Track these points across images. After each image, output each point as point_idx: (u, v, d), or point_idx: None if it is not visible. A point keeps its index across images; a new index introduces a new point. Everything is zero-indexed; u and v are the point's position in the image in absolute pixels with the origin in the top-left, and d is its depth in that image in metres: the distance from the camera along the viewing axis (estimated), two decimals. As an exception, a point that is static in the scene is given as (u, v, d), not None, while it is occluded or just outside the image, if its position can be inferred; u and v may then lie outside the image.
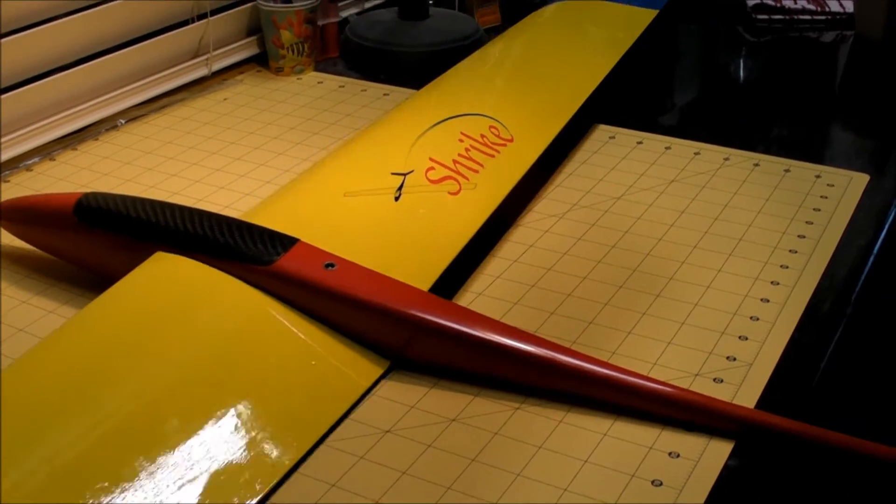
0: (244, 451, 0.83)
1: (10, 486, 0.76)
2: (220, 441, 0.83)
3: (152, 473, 0.79)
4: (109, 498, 0.77)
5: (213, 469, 0.81)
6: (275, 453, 0.84)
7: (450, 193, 1.12)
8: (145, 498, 0.77)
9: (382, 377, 0.95)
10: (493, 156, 1.19)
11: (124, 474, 0.78)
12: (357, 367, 0.94)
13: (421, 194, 1.11)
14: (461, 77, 1.40)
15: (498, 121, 1.24)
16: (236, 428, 0.85)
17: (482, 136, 1.21)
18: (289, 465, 0.84)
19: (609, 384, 0.89)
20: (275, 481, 0.82)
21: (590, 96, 1.38)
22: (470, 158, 1.17)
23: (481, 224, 1.10)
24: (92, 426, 0.82)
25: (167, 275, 0.98)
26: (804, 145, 1.41)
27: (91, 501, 0.76)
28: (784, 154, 1.34)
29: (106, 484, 0.77)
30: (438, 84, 1.37)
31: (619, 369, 0.90)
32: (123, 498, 0.77)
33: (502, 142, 1.22)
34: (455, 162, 1.16)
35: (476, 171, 1.16)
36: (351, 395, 0.92)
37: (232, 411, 0.86)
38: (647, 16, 1.63)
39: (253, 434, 0.85)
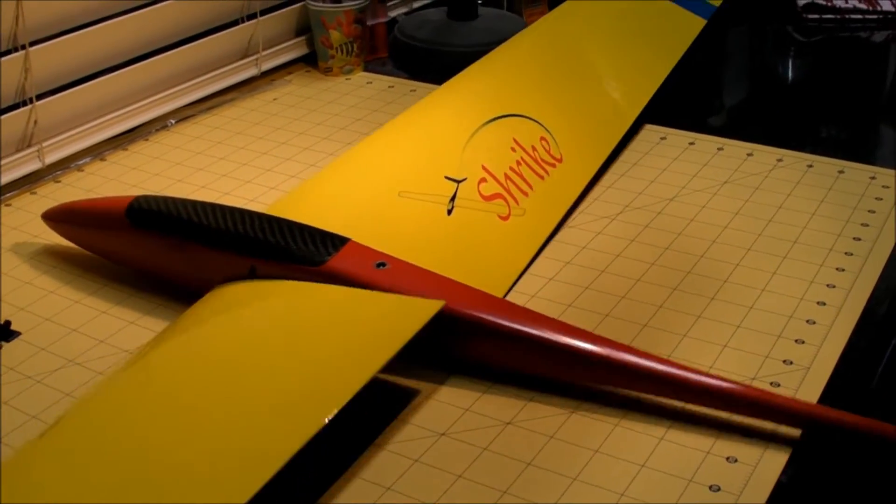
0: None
1: None
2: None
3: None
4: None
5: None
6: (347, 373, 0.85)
7: (500, 217, 1.12)
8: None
9: (440, 381, 0.94)
10: (542, 177, 1.19)
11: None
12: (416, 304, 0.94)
13: (472, 211, 1.10)
14: (504, 67, 1.38)
15: (549, 132, 1.24)
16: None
17: (533, 148, 1.20)
18: (365, 380, 0.83)
19: (668, 381, 0.88)
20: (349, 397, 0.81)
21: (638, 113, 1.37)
22: (521, 175, 1.17)
23: (529, 259, 1.11)
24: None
25: (231, 305, 0.98)
26: (856, 146, 1.40)
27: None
28: (836, 155, 1.32)
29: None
30: (480, 72, 1.35)
31: (680, 366, 0.89)
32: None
33: (552, 161, 1.21)
34: (506, 177, 1.15)
35: (526, 195, 1.16)
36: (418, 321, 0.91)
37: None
38: (695, 24, 1.60)
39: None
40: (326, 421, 0.78)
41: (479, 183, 1.13)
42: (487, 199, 1.12)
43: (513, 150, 1.19)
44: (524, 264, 1.10)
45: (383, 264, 0.96)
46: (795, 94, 1.61)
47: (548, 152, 1.22)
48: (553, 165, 1.21)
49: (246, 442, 0.79)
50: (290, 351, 0.89)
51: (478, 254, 1.08)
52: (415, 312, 0.91)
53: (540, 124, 1.24)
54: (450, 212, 1.09)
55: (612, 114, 1.35)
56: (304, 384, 0.85)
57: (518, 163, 1.18)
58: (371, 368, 0.84)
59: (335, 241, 0.98)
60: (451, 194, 1.10)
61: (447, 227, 1.08)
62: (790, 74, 1.72)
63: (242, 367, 0.88)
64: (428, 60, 1.64)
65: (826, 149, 1.35)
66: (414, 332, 0.88)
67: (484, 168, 1.14)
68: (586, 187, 1.24)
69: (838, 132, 1.47)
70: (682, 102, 1.52)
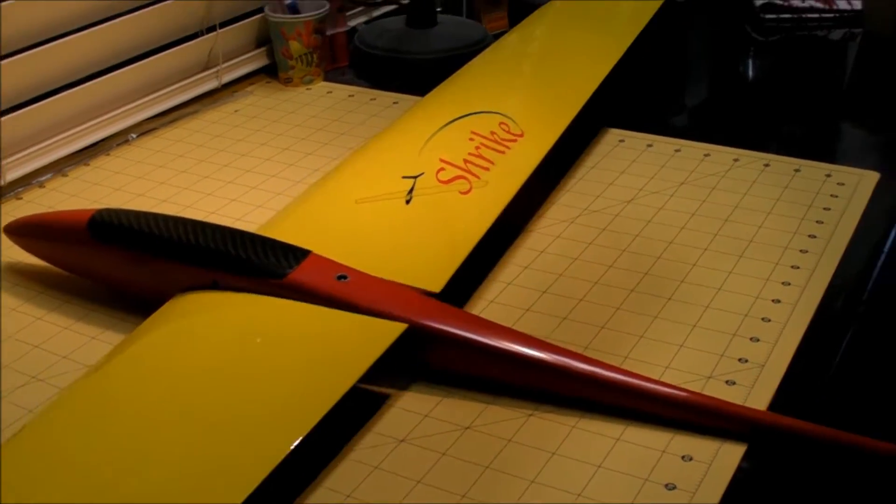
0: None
1: None
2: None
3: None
4: None
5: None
6: (302, 406, 0.85)
7: (461, 193, 1.13)
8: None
9: (400, 387, 0.95)
10: (503, 152, 1.20)
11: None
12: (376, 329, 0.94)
13: (432, 196, 1.11)
14: (469, 77, 1.40)
15: (508, 116, 1.25)
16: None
17: (492, 132, 1.22)
18: (318, 416, 0.83)
19: (620, 388, 0.90)
20: (304, 433, 0.81)
21: (600, 90, 1.36)
22: (480, 156, 1.18)
23: (492, 222, 1.10)
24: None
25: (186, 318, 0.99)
26: (815, 144, 1.41)
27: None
28: (795, 153, 1.34)
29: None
30: (447, 87, 1.37)
31: (629, 374, 0.91)
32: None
33: (513, 137, 1.22)
34: (466, 161, 1.16)
35: (487, 169, 1.16)
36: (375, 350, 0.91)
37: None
38: (654, 4, 1.62)
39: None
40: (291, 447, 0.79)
41: (438, 172, 1.14)
42: (446, 182, 1.13)
43: (471, 140, 1.20)
44: (491, 220, 1.10)
45: (344, 276, 0.97)
46: (754, 94, 1.62)
47: (508, 131, 1.23)
48: (514, 140, 1.22)
49: (208, 465, 0.80)
50: (251, 370, 0.90)
51: (441, 226, 1.09)
52: (377, 335, 0.92)
53: (499, 113, 1.25)
54: (408, 202, 1.10)
55: (571, 92, 1.35)
56: (265, 406, 0.86)
57: (477, 147, 1.19)
58: (333, 394, 0.85)
59: (297, 254, 0.99)
60: (409, 188, 1.11)
61: (407, 215, 1.09)
62: (749, 74, 1.74)
63: (202, 384, 0.88)
64: (388, 68, 1.65)
65: (783, 148, 1.36)
66: (378, 355, 0.89)
67: (441, 160, 1.16)
68: (547, 191, 1.25)
69: (795, 131, 1.48)
70: (642, 105, 1.53)
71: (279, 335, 0.95)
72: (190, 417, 0.84)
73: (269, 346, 0.93)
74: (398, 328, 0.93)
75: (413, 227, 1.08)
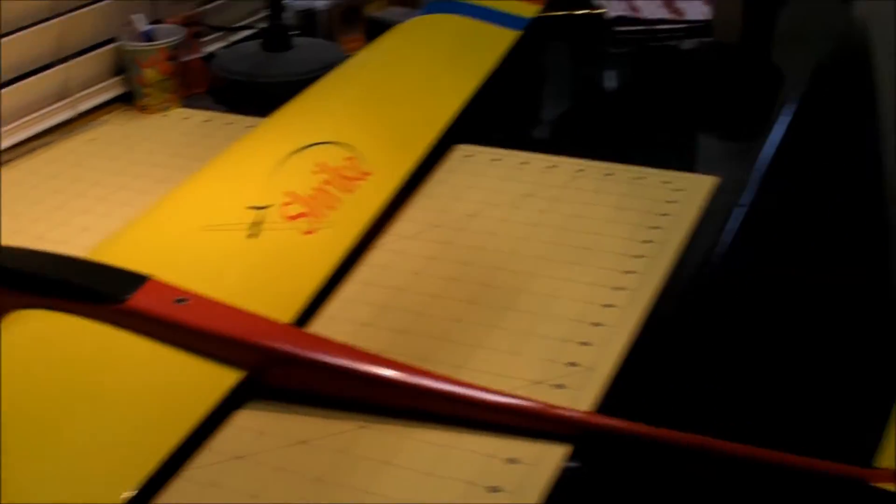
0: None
1: None
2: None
3: None
4: None
5: None
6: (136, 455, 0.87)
7: (305, 233, 1.14)
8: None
9: (236, 405, 0.97)
10: (350, 191, 1.22)
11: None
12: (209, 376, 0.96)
13: (276, 232, 1.13)
14: (318, 99, 1.42)
15: (355, 149, 1.27)
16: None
17: (339, 168, 1.23)
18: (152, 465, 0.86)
19: (449, 398, 0.93)
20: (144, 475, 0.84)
21: (449, 122, 1.40)
22: (327, 193, 1.20)
23: (333, 266, 1.13)
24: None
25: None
26: (663, 152, 1.44)
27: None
28: (643, 162, 1.37)
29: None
30: (297, 105, 1.39)
31: (459, 383, 0.94)
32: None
33: (360, 176, 1.24)
34: (312, 198, 1.18)
35: (333, 208, 1.18)
36: (202, 405, 0.93)
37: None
38: (507, 36, 1.65)
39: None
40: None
41: (284, 206, 1.16)
42: (292, 218, 1.15)
43: (317, 173, 1.22)
44: (332, 267, 1.13)
45: (183, 300, 0.99)
46: (607, 106, 1.66)
47: (355, 169, 1.25)
48: (361, 179, 1.24)
49: None
50: (78, 409, 0.91)
51: (282, 267, 1.10)
52: (213, 382, 0.95)
53: (347, 146, 1.27)
54: (253, 236, 1.11)
55: (421, 126, 1.39)
56: (95, 451, 0.87)
57: (325, 183, 1.21)
58: (163, 445, 0.87)
59: (136, 280, 1.01)
60: (255, 221, 1.13)
61: (249, 251, 1.10)
62: (603, 86, 1.77)
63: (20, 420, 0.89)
64: (245, 93, 1.67)
65: (631, 157, 1.39)
66: (212, 405, 0.92)
67: (288, 193, 1.17)
68: (392, 208, 1.27)
69: (646, 139, 1.51)
70: (494, 121, 1.56)
71: (112, 371, 0.95)
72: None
73: (99, 382, 0.94)
74: (233, 376, 0.95)
75: (255, 265, 1.10)
